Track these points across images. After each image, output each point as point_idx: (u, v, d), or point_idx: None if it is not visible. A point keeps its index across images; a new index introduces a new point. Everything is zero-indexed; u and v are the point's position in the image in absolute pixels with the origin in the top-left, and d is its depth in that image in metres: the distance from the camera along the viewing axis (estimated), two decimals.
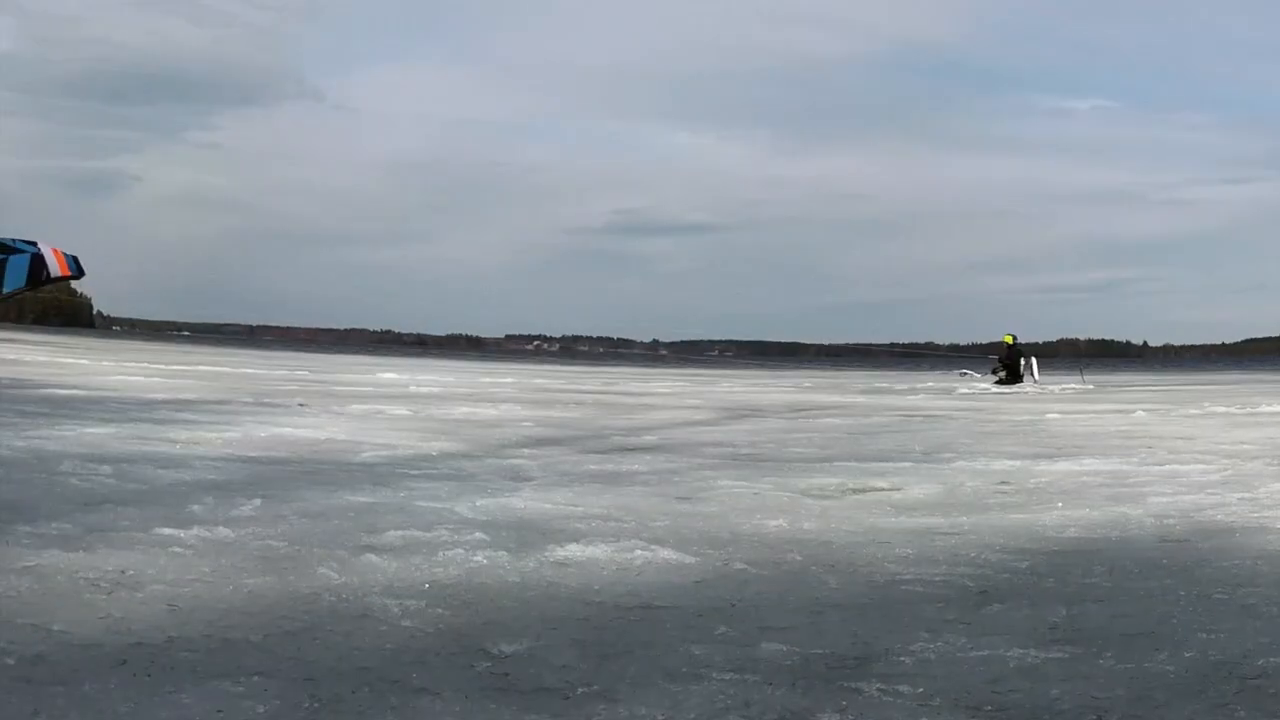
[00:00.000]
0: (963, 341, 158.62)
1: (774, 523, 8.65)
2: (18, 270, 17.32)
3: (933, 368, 69.91)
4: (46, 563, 6.23)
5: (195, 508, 8.24)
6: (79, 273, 17.44)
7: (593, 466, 12.62)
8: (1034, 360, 50.92)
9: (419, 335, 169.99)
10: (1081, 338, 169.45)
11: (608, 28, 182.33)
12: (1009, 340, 47.48)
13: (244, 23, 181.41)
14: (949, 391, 40.30)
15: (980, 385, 44.51)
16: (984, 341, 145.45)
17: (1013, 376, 45.42)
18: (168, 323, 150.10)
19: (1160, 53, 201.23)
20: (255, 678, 4.32)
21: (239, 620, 5.34)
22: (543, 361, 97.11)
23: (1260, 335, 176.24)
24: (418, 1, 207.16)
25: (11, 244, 16.45)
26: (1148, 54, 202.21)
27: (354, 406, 21.38)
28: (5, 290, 17.31)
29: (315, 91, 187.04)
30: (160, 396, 21.71)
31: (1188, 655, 4.97)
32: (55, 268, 17.61)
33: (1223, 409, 26.39)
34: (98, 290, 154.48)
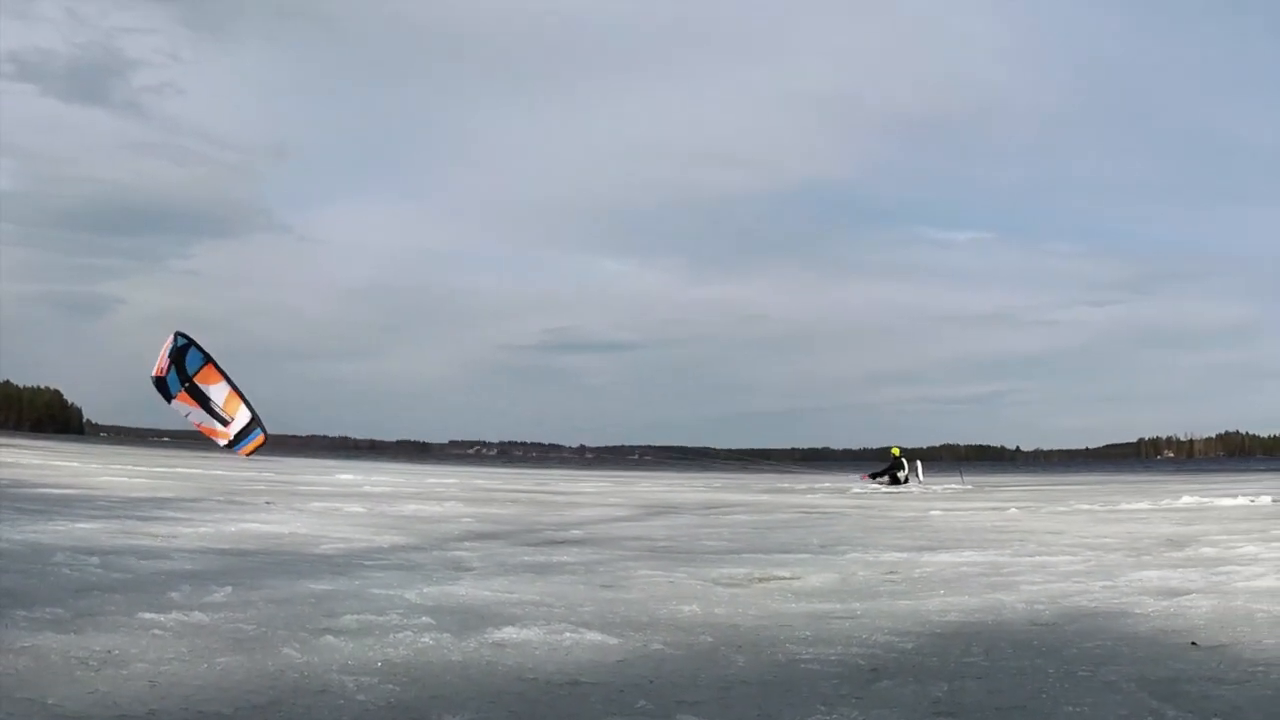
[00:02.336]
0: (855, 447, 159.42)
1: (688, 608, 8.67)
2: (196, 358, 17.49)
3: (831, 470, 69.93)
4: (41, 643, 6.21)
5: (173, 594, 8.20)
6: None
7: (526, 558, 12.60)
8: (919, 463, 51.37)
9: (372, 441, 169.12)
10: (961, 443, 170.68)
11: (540, 168, 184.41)
12: (895, 452, 48.43)
13: (219, 163, 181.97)
14: (843, 491, 40.37)
15: (871, 486, 44.85)
16: (874, 446, 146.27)
17: (895, 482, 46.47)
18: (149, 429, 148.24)
19: (1031, 191, 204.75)
20: None
21: (213, 695, 5.36)
22: (482, 464, 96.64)
23: (1119, 441, 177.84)
24: (371, 146, 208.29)
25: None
26: (1020, 192, 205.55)
27: (314, 504, 21.23)
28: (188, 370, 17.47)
29: (282, 224, 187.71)
30: (142, 495, 21.50)
31: None
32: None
33: (1086, 506, 26.52)
34: (87, 400, 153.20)
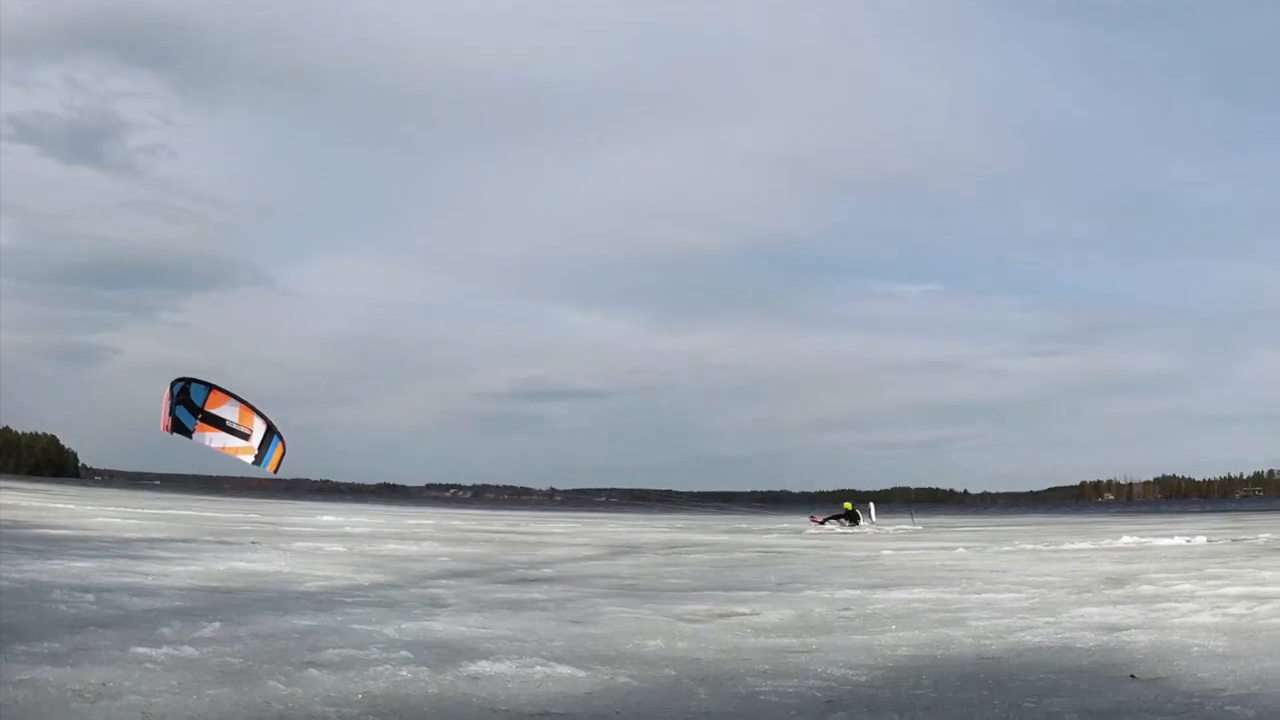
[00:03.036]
0: (812, 490, 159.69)
1: (652, 643, 8.72)
2: (200, 391, 17.52)
3: (788, 512, 69.89)
4: (39, 676, 6.23)
5: (164, 630, 8.21)
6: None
7: (500, 595, 12.63)
8: (871, 505, 51.51)
9: (353, 484, 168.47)
10: (912, 486, 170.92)
11: (512, 225, 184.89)
12: (848, 506, 48.78)
13: (209, 221, 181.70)
14: (799, 532, 40.44)
15: (828, 527, 44.94)
16: (830, 489, 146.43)
17: (850, 518, 47.05)
18: (142, 473, 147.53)
19: (977, 246, 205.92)
20: None
21: None
22: (457, 506, 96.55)
23: (1062, 484, 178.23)
24: (350, 204, 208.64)
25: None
26: (966, 247, 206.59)
27: (298, 544, 21.21)
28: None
29: (267, 279, 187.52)
30: (135, 536, 21.42)
31: None
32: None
33: (1030, 546, 26.61)
34: (82, 445, 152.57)
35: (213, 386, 17.49)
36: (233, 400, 17.38)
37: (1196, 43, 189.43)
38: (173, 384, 17.19)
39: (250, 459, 17.49)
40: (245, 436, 17.40)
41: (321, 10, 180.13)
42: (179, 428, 16.99)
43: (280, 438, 17.50)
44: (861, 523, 46.55)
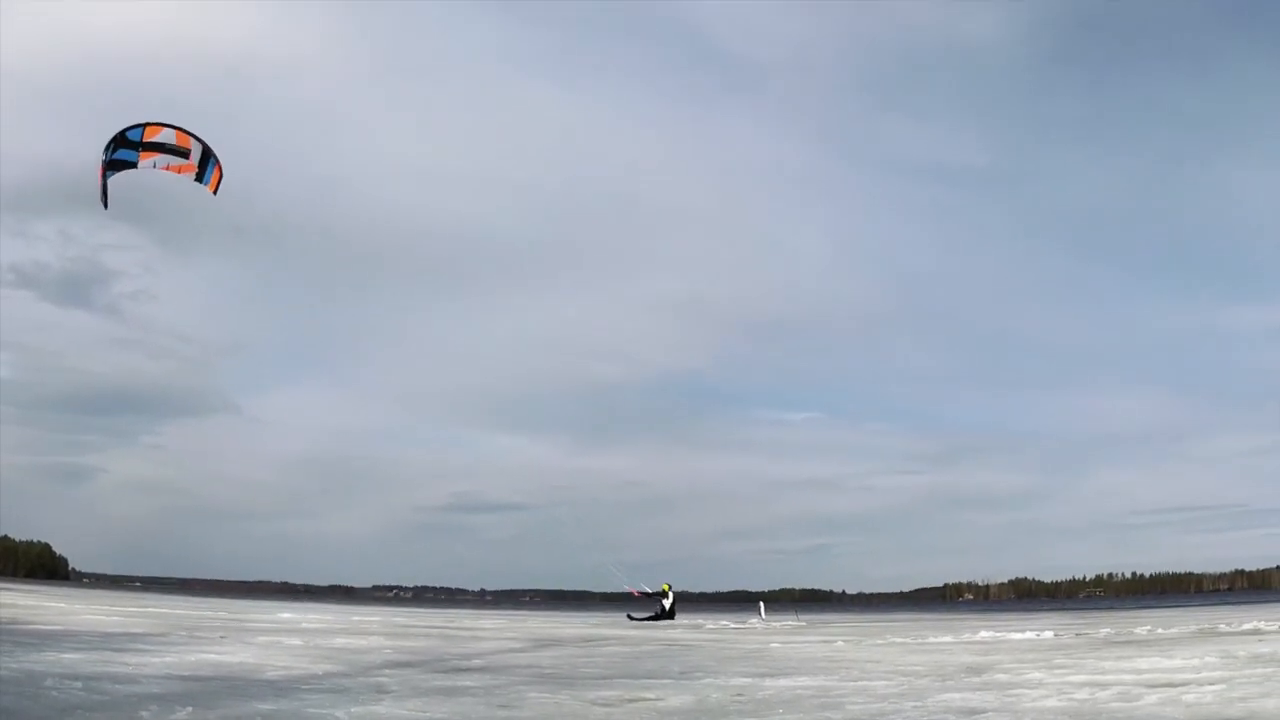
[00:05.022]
0: (710, 590, 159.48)
1: None
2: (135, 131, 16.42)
3: (690, 611, 69.45)
4: None
5: (143, 714, 8.22)
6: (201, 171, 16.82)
7: (437, 682, 12.63)
8: (762, 604, 51.26)
9: (307, 585, 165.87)
10: (797, 587, 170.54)
11: (448, 361, 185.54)
12: (666, 588, 46.17)
13: (185, 357, 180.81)
14: (699, 627, 40.29)
15: (752, 621, 44.13)
16: (725, 590, 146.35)
17: (665, 615, 44.33)
18: (124, 576, 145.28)
19: (854, 379, 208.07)
20: None
21: None
22: (400, 605, 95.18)
23: (927, 585, 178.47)
24: (307, 342, 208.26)
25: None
26: (846, 380, 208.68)
27: (260, 638, 20.97)
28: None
29: (235, 407, 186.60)
30: (118, 631, 21.10)
31: None
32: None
33: (900, 640, 26.63)
34: (72, 552, 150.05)
35: (147, 123, 16.57)
36: (168, 128, 16.52)
37: (1045, 204, 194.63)
38: (105, 148, 16.27)
39: (192, 176, 16.60)
40: (185, 155, 16.60)
41: (284, 174, 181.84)
42: (123, 166, 16.07)
43: (217, 160, 16.64)
44: (753, 620, 45.80)
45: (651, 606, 45.95)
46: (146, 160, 16.54)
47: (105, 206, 16.54)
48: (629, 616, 46.46)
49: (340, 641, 21.30)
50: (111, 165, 16.31)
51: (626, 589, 47.58)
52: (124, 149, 16.41)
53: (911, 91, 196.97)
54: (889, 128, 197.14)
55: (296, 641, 20.40)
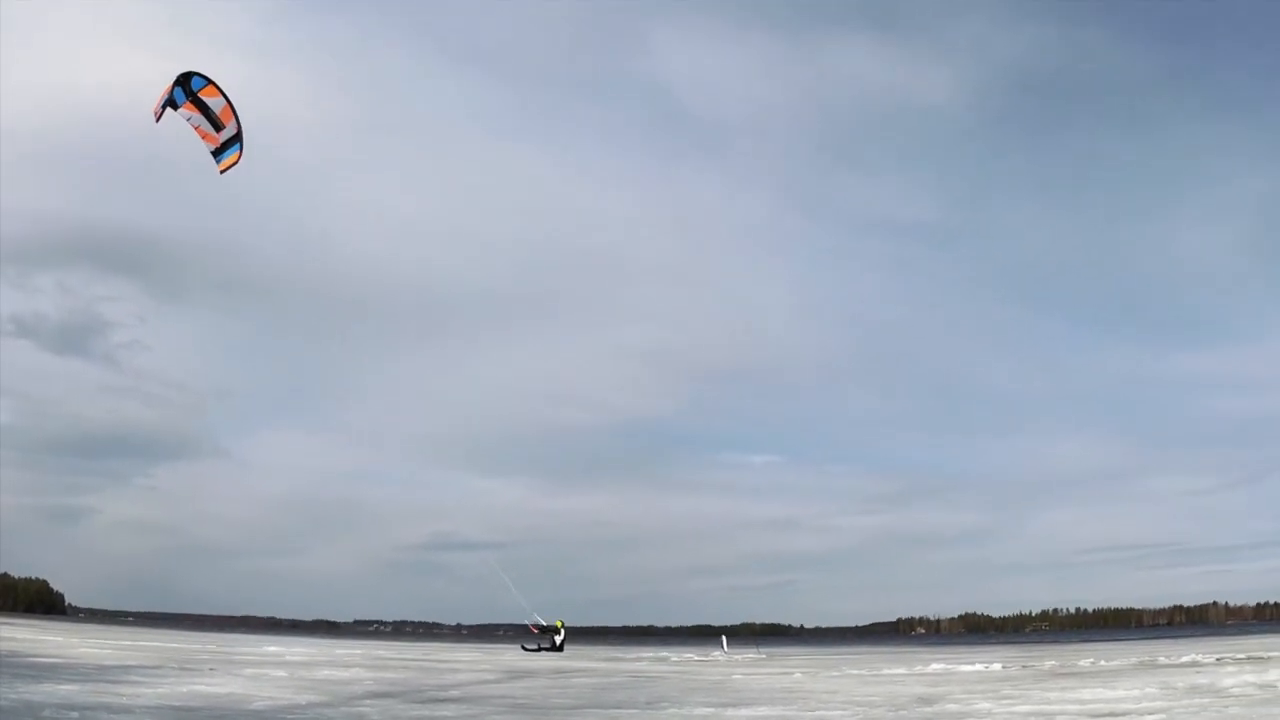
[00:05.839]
0: (674, 625, 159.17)
1: None
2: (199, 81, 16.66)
3: (655, 645, 69.33)
4: None
5: None
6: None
7: (415, 712, 12.77)
8: (724, 637, 51.19)
9: (292, 620, 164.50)
10: (758, 621, 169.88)
11: (426, 406, 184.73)
12: (559, 624, 46.06)
13: (175, 404, 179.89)
14: (664, 660, 40.30)
15: (715, 654, 44.19)
16: (689, 624, 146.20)
17: (555, 649, 44.74)
18: (119, 611, 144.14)
19: (813, 423, 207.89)
20: None
21: None
22: (380, 639, 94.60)
23: (881, 620, 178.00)
24: (291, 389, 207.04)
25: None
26: (804, 424, 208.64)
27: (248, 670, 21.00)
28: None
29: (223, 450, 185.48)
30: (112, 663, 21.09)
31: None
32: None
33: (856, 672, 26.76)
34: (68, 588, 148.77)
35: (211, 81, 16.87)
36: (222, 97, 16.79)
37: (993, 256, 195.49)
38: (178, 76, 16.62)
39: (213, 148, 16.85)
40: (219, 128, 16.85)
41: (268, 230, 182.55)
42: (170, 103, 16.44)
43: (240, 148, 16.88)
44: (716, 652, 45.76)
45: (545, 640, 46.70)
46: (188, 112, 16.92)
47: (156, 121, 16.90)
48: (523, 647, 47.07)
49: (324, 673, 21.34)
50: (166, 101, 16.77)
51: (527, 622, 48.19)
52: (179, 89, 16.77)
53: (867, 150, 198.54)
54: (846, 184, 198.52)
55: (282, 673, 20.43)
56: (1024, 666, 27.51)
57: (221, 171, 17.35)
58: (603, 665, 32.77)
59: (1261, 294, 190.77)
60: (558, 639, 45.80)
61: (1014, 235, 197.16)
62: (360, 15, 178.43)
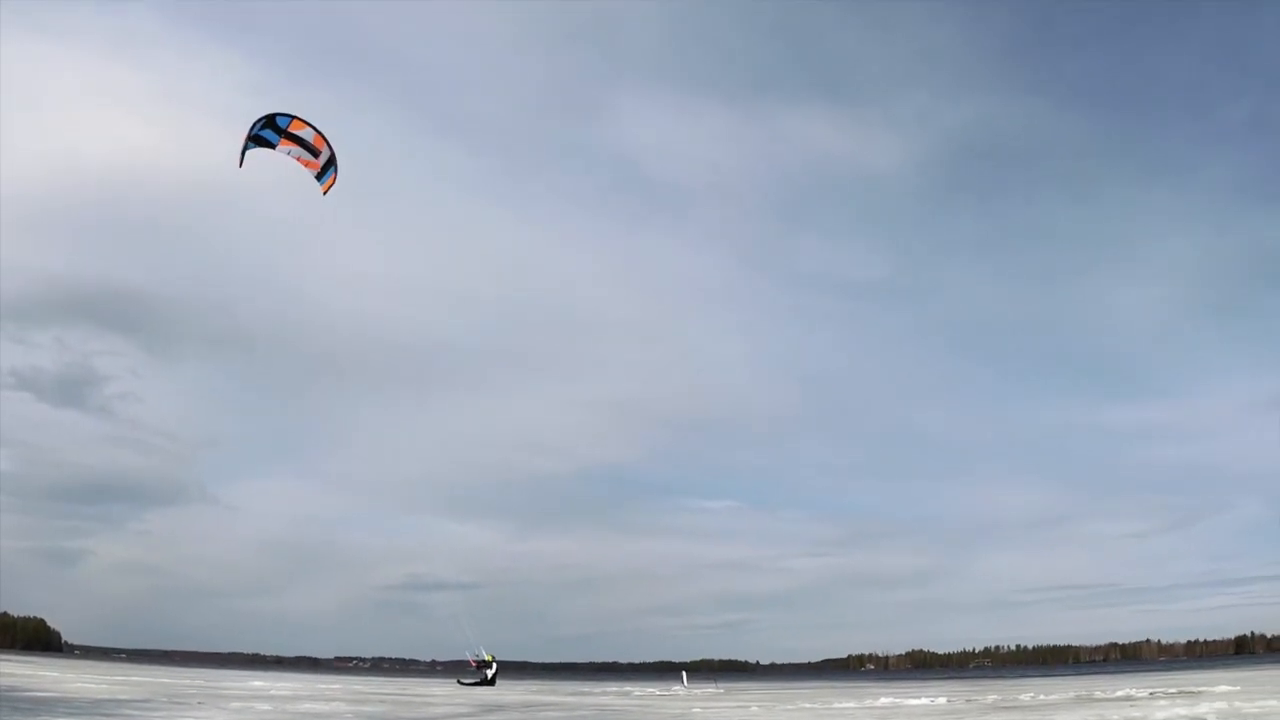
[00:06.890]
0: (637, 660, 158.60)
1: None
2: (284, 119, 16.92)
3: (619, 680, 69.03)
4: None
5: None
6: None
7: None
8: (684, 673, 51.18)
9: (276, 656, 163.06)
10: (716, 658, 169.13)
11: (402, 454, 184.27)
12: (490, 658, 47.37)
13: (167, 452, 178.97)
14: (627, 694, 40.24)
15: (676, 689, 44.27)
16: (651, 660, 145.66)
17: (487, 683, 45.93)
18: (112, 648, 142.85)
19: (769, 471, 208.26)
20: None
21: None
22: (359, 674, 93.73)
23: (832, 656, 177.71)
24: (275, 438, 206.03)
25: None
26: (760, 472, 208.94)
27: (234, 704, 20.92)
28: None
29: (211, 496, 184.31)
30: (105, 697, 21.00)
31: None
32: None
33: (809, 705, 26.86)
34: (64, 626, 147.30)
35: (296, 116, 17.24)
36: (310, 128, 17.13)
37: (939, 313, 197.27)
38: (253, 124, 16.91)
39: (315, 173, 17.17)
40: (316, 154, 17.17)
41: (254, 288, 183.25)
42: (262, 143, 16.71)
43: (336, 169, 17.27)
44: (676, 687, 45.79)
45: (478, 675, 47.74)
46: (285, 147, 17.31)
47: (240, 165, 17.26)
48: (459, 681, 47.90)
49: (306, 707, 21.27)
50: (254, 140, 17.07)
51: (467, 656, 48.64)
52: (269, 130, 17.13)
53: (820, 213, 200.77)
54: (799, 245, 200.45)
55: (267, 707, 20.36)
56: (968, 700, 27.67)
57: (324, 193, 17.84)
58: (569, 699, 32.72)
59: (1191, 350, 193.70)
60: (489, 673, 47.05)
61: (958, 293, 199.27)
62: (343, 87, 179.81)
